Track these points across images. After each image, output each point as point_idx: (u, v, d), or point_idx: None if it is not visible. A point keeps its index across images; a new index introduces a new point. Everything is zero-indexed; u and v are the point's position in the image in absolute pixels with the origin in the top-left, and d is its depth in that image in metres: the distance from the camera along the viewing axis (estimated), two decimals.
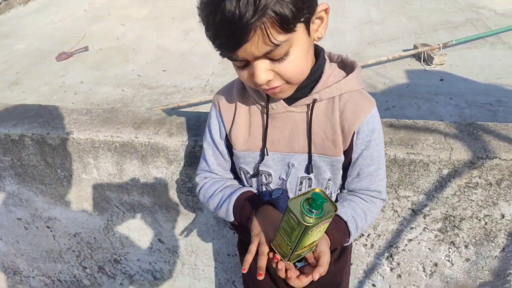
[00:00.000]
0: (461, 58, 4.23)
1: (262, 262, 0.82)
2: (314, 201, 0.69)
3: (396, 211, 1.35)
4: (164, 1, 6.03)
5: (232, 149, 1.00)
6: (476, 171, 1.20)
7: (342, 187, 1.05)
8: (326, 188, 1.00)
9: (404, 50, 4.39)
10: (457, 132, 1.27)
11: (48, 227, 1.78)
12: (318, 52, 0.90)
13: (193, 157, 1.37)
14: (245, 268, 0.81)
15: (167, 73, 4.19)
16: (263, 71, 0.74)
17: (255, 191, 1.03)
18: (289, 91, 0.83)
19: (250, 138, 0.96)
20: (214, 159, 1.05)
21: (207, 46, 0.74)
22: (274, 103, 0.91)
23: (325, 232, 0.81)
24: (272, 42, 0.69)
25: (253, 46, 0.69)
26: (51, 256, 1.92)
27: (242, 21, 0.65)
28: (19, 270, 2.07)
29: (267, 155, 0.95)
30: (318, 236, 0.77)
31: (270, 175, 0.98)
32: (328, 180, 0.98)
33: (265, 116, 0.93)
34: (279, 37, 0.69)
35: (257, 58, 0.72)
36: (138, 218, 1.62)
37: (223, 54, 0.74)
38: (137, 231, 1.67)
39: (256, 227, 0.91)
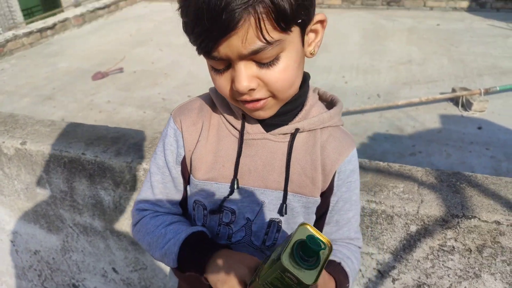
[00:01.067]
0: (505, 106, 3.86)
1: None
2: (310, 248, 0.54)
3: (360, 270, 1.14)
4: None
5: (187, 177, 0.83)
6: (451, 232, 0.97)
7: None
8: None
9: (441, 93, 4.10)
10: (435, 182, 1.06)
11: (11, 241, 1.72)
12: (303, 77, 0.76)
13: (139, 182, 1.25)
14: None
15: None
16: (247, 75, 0.61)
17: (208, 232, 0.81)
18: (273, 109, 0.69)
19: (216, 165, 0.77)
20: (162, 188, 0.83)
21: None
22: (250, 126, 0.75)
23: (329, 273, 0.72)
24: (265, 38, 0.57)
25: (241, 39, 0.57)
26: (16, 272, 1.86)
27: (233, 2, 0.53)
28: None
29: (237, 188, 0.76)
30: None
31: (234, 213, 0.79)
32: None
33: (237, 140, 0.76)
34: (273, 34, 0.57)
35: (242, 58, 0.59)
36: (92, 243, 1.51)
37: (201, 47, 0.60)
38: (92, 256, 1.56)
39: (216, 275, 0.70)
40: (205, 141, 0.78)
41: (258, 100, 0.65)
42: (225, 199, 0.77)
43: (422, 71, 4.71)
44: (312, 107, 0.77)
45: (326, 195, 0.78)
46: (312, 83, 0.79)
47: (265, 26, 0.56)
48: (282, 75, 0.63)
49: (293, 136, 0.75)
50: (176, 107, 0.84)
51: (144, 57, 5.39)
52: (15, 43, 5.88)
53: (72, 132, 1.42)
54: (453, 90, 4.02)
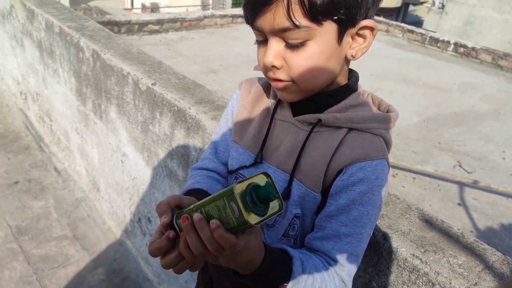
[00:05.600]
0: None
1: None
2: (264, 193, 0.54)
3: None
4: None
5: None
6: None
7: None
8: (290, 225, 0.82)
9: None
10: (508, 274, 0.87)
11: (122, 161, 2.05)
12: (351, 76, 0.80)
13: None
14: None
15: None
16: (274, 51, 0.68)
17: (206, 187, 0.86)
18: (295, 95, 0.74)
19: (245, 131, 0.85)
20: (217, 146, 0.94)
21: None
22: (281, 108, 0.82)
23: (265, 249, 0.65)
24: (292, 20, 0.63)
25: (273, 15, 0.64)
26: (116, 189, 2.19)
27: None
28: (99, 189, 2.44)
29: (260, 162, 0.80)
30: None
31: None
32: (296, 216, 0.80)
33: (270, 119, 0.82)
34: (301, 20, 0.63)
35: (273, 33, 0.67)
36: (171, 188, 1.69)
37: (247, 18, 0.70)
38: None
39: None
40: (247, 106, 0.86)
41: (280, 80, 0.70)
42: (245, 166, 0.81)
43: None
44: (350, 107, 0.75)
45: (326, 194, 0.75)
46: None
47: (294, 9, 0.62)
48: (304, 62, 0.67)
49: (314, 125, 0.75)
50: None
51: None
52: (210, 20, 6.78)
53: (192, 90, 1.61)
54: None
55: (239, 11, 7.27)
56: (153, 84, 1.61)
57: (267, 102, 0.85)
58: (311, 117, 0.76)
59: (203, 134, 1.41)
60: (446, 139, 4.07)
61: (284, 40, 0.66)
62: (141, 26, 5.98)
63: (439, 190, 3.28)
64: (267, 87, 0.88)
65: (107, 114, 2.04)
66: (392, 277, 0.95)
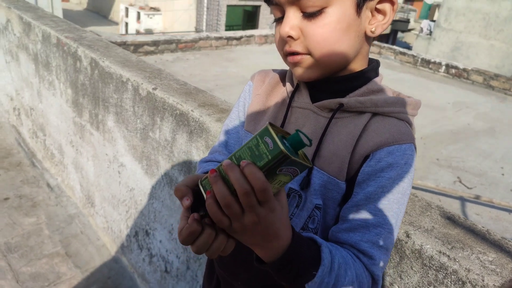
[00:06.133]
0: None
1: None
2: (296, 138, 0.52)
3: None
4: None
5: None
6: None
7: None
8: (310, 217, 0.76)
9: None
10: None
11: (119, 172, 1.97)
12: (371, 62, 0.77)
13: None
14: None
15: None
16: (290, 22, 0.66)
17: None
18: (312, 71, 0.70)
19: (260, 121, 0.81)
20: (227, 138, 0.90)
21: None
22: (299, 95, 0.78)
23: (293, 231, 0.60)
24: None
25: None
26: (112, 202, 2.11)
27: None
28: (94, 203, 2.35)
29: None
30: (274, 190, 0.56)
31: None
32: (316, 207, 0.74)
33: (285, 105, 0.79)
34: None
35: (290, 3, 0.65)
36: (171, 197, 1.62)
37: None
38: (168, 210, 1.67)
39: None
40: (261, 95, 0.83)
41: (296, 53, 0.68)
42: None
43: None
44: (375, 92, 0.73)
45: (351, 183, 0.69)
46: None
47: None
48: (320, 30, 0.65)
49: (335, 110, 0.71)
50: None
51: None
52: (205, 42, 6.85)
53: (194, 94, 1.56)
54: None
55: (234, 33, 7.36)
56: (154, 88, 1.56)
57: (283, 91, 0.82)
58: (332, 102, 0.72)
59: (207, 137, 1.35)
60: (445, 155, 4.06)
61: (301, 10, 0.65)
62: (137, 47, 6.01)
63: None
64: (283, 76, 0.85)
65: (104, 124, 1.98)
66: (417, 278, 0.89)
